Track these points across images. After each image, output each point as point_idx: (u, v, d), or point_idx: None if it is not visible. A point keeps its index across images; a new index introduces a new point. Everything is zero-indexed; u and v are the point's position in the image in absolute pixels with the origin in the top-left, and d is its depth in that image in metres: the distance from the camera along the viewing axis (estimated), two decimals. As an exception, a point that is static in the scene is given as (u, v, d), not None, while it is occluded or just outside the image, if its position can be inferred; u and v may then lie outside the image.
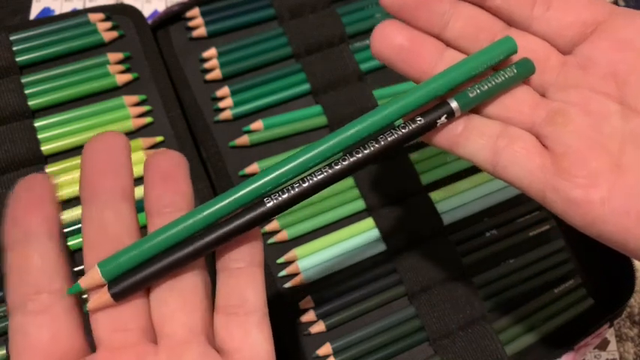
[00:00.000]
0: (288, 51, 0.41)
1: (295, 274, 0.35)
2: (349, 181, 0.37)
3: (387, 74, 0.41)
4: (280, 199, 0.21)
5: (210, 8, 0.41)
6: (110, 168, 0.22)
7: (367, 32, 0.42)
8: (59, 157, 0.36)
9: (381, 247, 0.36)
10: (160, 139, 0.37)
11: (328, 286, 0.35)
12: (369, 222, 0.37)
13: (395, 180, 0.37)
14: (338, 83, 0.40)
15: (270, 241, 0.36)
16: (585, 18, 0.24)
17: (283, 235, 0.36)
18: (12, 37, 0.38)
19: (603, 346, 0.43)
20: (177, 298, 0.21)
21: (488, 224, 0.38)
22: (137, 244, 0.21)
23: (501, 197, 0.39)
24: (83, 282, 0.20)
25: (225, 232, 0.21)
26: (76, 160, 0.36)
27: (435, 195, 0.38)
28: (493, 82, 0.23)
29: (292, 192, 0.21)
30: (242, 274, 0.22)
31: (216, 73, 0.40)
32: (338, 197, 0.37)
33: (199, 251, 0.21)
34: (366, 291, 0.35)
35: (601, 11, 0.24)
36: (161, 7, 0.50)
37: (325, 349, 0.34)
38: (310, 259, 0.35)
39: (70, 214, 0.34)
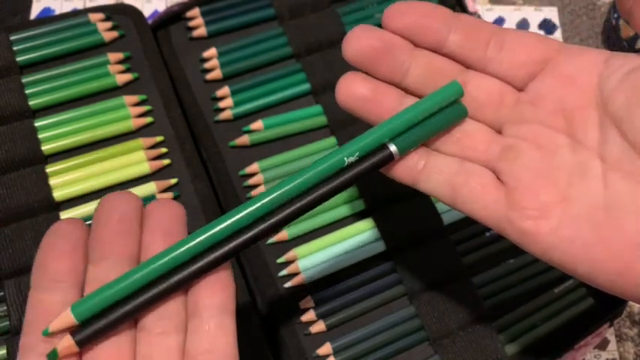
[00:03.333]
0: (289, 51, 0.41)
1: (295, 274, 0.35)
2: (349, 181, 0.37)
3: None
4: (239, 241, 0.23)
5: (210, 8, 0.41)
6: (122, 230, 0.22)
7: (367, 32, 0.42)
8: (60, 157, 0.36)
9: (381, 247, 0.36)
10: (160, 139, 0.37)
11: (328, 286, 0.35)
12: (369, 222, 0.37)
13: (395, 180, 0.37)
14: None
15: (270, 241, 0.36)
16: (535, 57, 0.25)
17: (283, 235, 0.36)
18: (12, 37, 0.38)
19: (603, 345, 0.43)
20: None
21: (488, 224, 0.38)
22: (110, 285, 0.21)
23: (501, 197, 0.39)
24: (53, 325, 0.21)
25: (190, 273, 0.22)
26: (76, 160, 0.36)
27: (435, 195, 0.38)
28: (429, 126, 0.25)
29: (246, 236, 0.23)
30: (213, 322, 0.22)
31: (217, 73, 0.40)
32: (338, 197, 0.37)
33: (167, 291, 0.22)
34: (365, 291, 0.35)
35: (550, 49, 0.25)
36: (161, 7, 0.50)
37: (325, 348, 0.34)
38: (310, 259, 0.35)
39: (69, 214, 0.34)
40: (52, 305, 0.21)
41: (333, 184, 0.24)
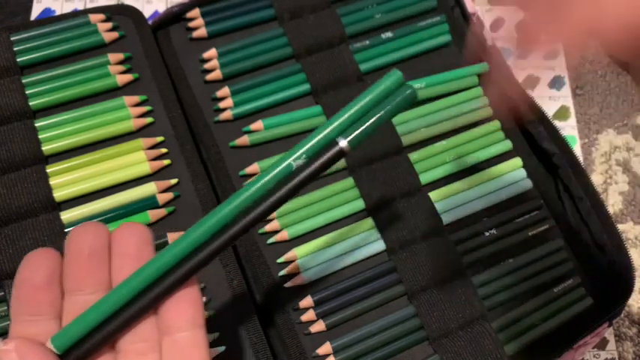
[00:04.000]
0: (289, 51, 0.41)
1: (295, 274, 0.35)
2: (349, 181, 0.38)
3: (387, 74, 0.42)
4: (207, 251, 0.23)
5: (210, 9, 0.41)
6: (92, 263, 0.23)
7: (367, 33, 0.42)
8: (60, 157, 0.36)
9: (381, 246, 0.36)
10: (160, 139, 0.37)
11: (328, 286, 0.35)
12: (369, 222, 0.37)
13: (394, 180, 0.38)
14: (338, 83, 0.40)
15: (270, 241, 0.36)
16: None
17: (283, 235, 0.36)
18: (13, 38, 0.38)
19: (602, 345, 0.43)
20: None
21: (488, 224, 0.38)
22: (85, 314, 0.22)
23: (501, 197, 0.39)
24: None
25: (159, 293, 0.23)
26: (77, 160, 0.36)
27: (434, 194, 0.38)
28: (376, 115, 0.24)
29: (212, 246, 0.23)
30: (185, 339, 0.23)
31: (217, 74, 0.40)
32: (338, 197, 0.37)
33: (139, 312, 0.23)
34: (365, 290, 0.35)
35: None
36: (161, 8, 0.50)
37: (325, 348, 0.34)
38: (310, 259, 0.35)
39: (70, 214, 0.34)
40: (35, 337, 0.22)
41: (282, 192, 0.23)
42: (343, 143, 0.23)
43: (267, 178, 0.23)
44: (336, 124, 0.24)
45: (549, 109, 0.50)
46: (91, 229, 0.23)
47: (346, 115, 0.24)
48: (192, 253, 0.23)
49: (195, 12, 0.41)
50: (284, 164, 0.23)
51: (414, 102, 0.24)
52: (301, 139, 0.38)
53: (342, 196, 0.37)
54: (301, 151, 0.24)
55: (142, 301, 0.22)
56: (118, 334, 0.23)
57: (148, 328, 0.23)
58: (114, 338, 0.23)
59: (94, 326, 0.22)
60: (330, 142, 0.23)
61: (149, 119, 0.38)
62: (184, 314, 0.23)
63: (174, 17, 0.41)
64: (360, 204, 0.37)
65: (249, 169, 0.38)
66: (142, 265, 0.23)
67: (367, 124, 0.23)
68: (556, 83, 0.51)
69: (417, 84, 0.41)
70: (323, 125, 0.24)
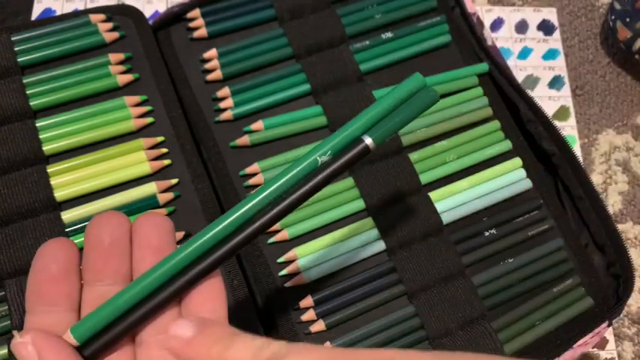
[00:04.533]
0: (289, 51, 0.41)
1: (295, 274, 0.35)
2: (349, 181, 0.38)
3: (387, 75, 0.42)
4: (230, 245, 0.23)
5: (210, 9, 0.41)
6: (113, 252, 0.22)
7: (367, 33, 0.42)
8: (61, 157, 0.36)
9: (381, 246, 0.36)
10: (160, 139, 0.37)
11: (328, 286, 0.35)
12: (369, 222, 0.37)
13: (394, 180, 0.38)
14: (338, 84, 0.40)
15: (271, 240, 0.36)
16: None
17: (283, 235, 0.36)
18: (14, 38, 0.38)
19: (602, 345, 0.43)
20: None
21: (488, 223, 0.38)
22: (106, 305, 0.22)
23: (500, 196, 0.39)
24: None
25: (181, 285, 0.22)
26: (77, 160, 0.36)
27: (434, 194, 0.38)
28: (400, 115, 0.24)
29: (238, 238, 0.23)
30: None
31: (217, 74, 0.40)
32: (338, 197, 0.37)
33: (160, 305, 0.22)
34: (365, 290, 0.35)
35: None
36: (162, 8, 0.50)
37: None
38: (310, 259, 0.35)
39: (70, 214, 0.34)
40: (52, 328, 0.21)
41: (308, 186, 0.23)
42: (368, 140, 0.24)
43: (293, 172, 0.23)
44: (360, 122, 0.24)
45: (549, 109, 0.50)
46: (112, 219, 0.23)
47: (371, 114, 0.24)
48: (217, 246, 0.23)
49: (196, 12, 0.41)
50: (310, 159, 0.24)
51: (435, 103, 0.25)
52: (301, 139, 0.39)
53: (342, 196, 0.37)
54: (327, 147, 0.24)
55: (165, 293, 0.22)
56: (140, 326, 0.22)
57: (170, 320, 0.22)
58: (135, 330, 0.22)
59: (115, 317, 0.22)
60: (356, 139, 0.24)
61: (149, 119, 0.38)
62: (207, 306, 0.22)
63: (175, 17, 0.41)
64: (360, 204, 0.37)
65: (249, 169, 0.38)
66: (164, 256, 0.22)
67: (392, 123, 0.24)
68: (556, 83, 0.51)
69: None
70: (347, 124, 0.24)
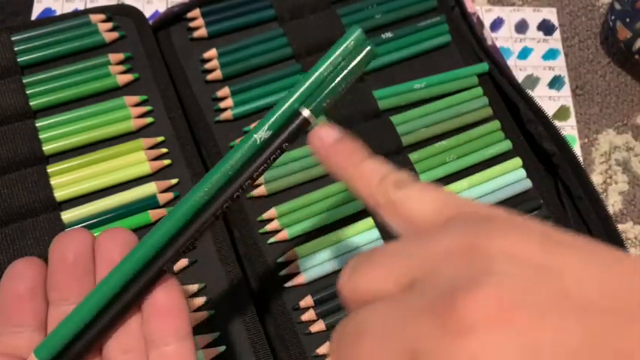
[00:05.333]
0: (289, 51, 0.41)
1: (295, 274, 0.35)
2: (349, 181, 0.38)
3: (387, 74, 0.42)
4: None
5: (210, 9, 0.41)
6: (77, 271, 0.22)
7: (367, 33, 0.42)
8: (61, 157, 0.36)
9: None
10: (160, 139, 0.37)
11: (328, 286, 0.35)
12: (369, 222, 0.37)
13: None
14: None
15: (271, 240, 0.36)
16: None
17: (283, 235, 0.36)
18: (14, 38, 0.38)
19: (602, 345, 0.43)
20: None
21: (488, 224, 0.38)
22: (65, 322, 0.22)
23: (500, 196, 0.39)
24: None
25: (137, 291, 0.22)
26: (77, 160, 0.36)
27: (434, 195, 0.38)
28: (336, 77, 0.23)
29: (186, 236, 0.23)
30: (172, 352, 0.22)
31: (217, 74, 0.40)
32: (338, 197, 0.37)
33: (119, 313, 0.22)
34: (365, 290, 0.35)
35: None
36: (162, 8, 0.50)
37: (325, 348, 0.34)
38: (310, 259, 0.35)
39: (70, 214, 0.34)
40: (17, 350, 0.22)
41: (249, 170, 0.23)
42: (306, 113, 0.23)
43: (235, 158, 0.23)
44: (297, 94, 0.23)
45: (549, 109, 0.50)
46: (74, 236, 0.23)
47: (307, 84, 0.23)
48: (166, 245, 0.22)
49: (196, 12, 0.41)
50: (249, 141, 0.23)
51: (373, 59, 0.23)
52: (301, 139, 0.39)
53: (342, 196, 0.37)
54: (265, 125, 0.23)
55: (120, 302, 0.22)
56: (103, 340, 0.22)
57: (135, 340, 0.22)
58: (98, 344, 0.22)
59: (75, 333, 0.22)
60: (294, 112, 0.23)
61: (149, 119, 0.38)
62: (169, 327, 0.22)
63: (175, 17, 0.41)
64: (360, 204, 0.37)
65: (249, 169, 0.38)
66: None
67: (327, 90, 0.23)
68: (556, 83, 0.51)
69: (417, 84, 0.41)
70: (284, 97, 0.23)
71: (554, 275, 0.15)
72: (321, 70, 0.23)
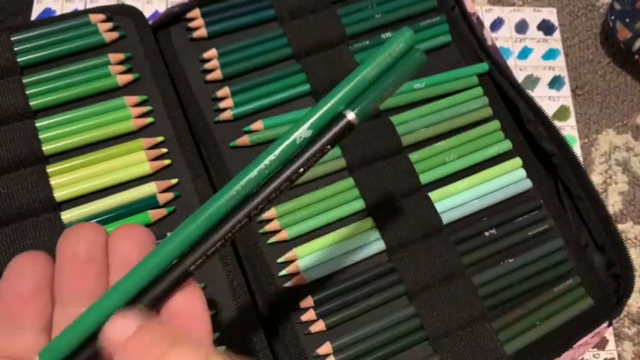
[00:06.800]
0: (289, 52, 0.41)
1: (295, 274, 0.35)
2: (349, 181, 0.38)
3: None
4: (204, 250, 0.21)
5: (210, 9, 0.41)
6: (89, 269, 0.20)
7: (367, 33, 0.42)
8: (60, 157, 0.36)
9: (381, 246, 0.36)
10: (160, 139, 0.37)
11: (328, 286, 0.35)
12: (369, 222, 0.37)
13: (394, 180, 0.38)
14: (338, 84, 0.40)
15: (271, 240, 0.36)
16: None
17: (283, 235, 0.36)
18: (13, 38, 0.38)
19: (602, 345, 0.43)
20: None
21: (488, 223, 0.38)
22: (73, 326, 0.20)
23: (500, 196, 0.39)
24: None
25: (154, 298, 0.20)
26: (77, 160, 0.36)
27: (434, 194, 0.38)
28: (385, 81, 0.22)
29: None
30: None
31: (217, 74, 0.40)
32: (338, 197, 0.37)
33: None
34: (365, 290, 0.35)
35: None
36: (162, 8, 0.50)
37: (325, 348, 0.34)
38: (310, 259, 0.35)
39: (70, 214, 0.34)
40: (20, 353, 0.20)
41: (286, 174, 0.21)
42: (351, 115, 0.21)
43: (271, 156, 0.21)
44: (340, 94, 0.21)
45: (549, 109, 0.50)
46: (87, 231, 0.21)
47: (352, 85, 0.22)
48: (194, 245, 0.21)
49: (196, 12, 0.41)
50: (288, 140, 0.21)
51: (422, 65, 0.22)
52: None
53: (342, 196, 0.37)
54: (305, 126, 0.21)
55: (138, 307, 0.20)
56: None
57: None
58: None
59: (86, 338, 0.20)
60: (338, 115, 0.21)
61: (149, 119, 0.38)
62: (186, 316, 0.20)
63: (175, 17, 0.41)
64: (360, 204, 0.37)
65: (249, 169, 0.38)
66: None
67: (374, 94, 0.21)
68: (556, 83, 0.51)
69: (417, 84, 0.41)
70: (326, 97, 0.21)
71: None
72: (367, 70, 0.22)
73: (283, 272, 0.35)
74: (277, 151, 0.21)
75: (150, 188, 0.36)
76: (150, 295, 0.20)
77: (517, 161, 0.40)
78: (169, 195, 0.36)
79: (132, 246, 0.21)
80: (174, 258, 0.21)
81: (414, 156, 0.39)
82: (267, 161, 0.21)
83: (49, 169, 0.35)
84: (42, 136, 0.36)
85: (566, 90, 0.51)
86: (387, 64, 0.22)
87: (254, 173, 0.21)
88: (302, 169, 0.21)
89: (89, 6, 0.50)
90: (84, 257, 0.20)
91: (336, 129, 0.21)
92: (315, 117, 0.21)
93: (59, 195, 0.35)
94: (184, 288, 0.21)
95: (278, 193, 0.21)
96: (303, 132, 0.21)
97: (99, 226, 0.21)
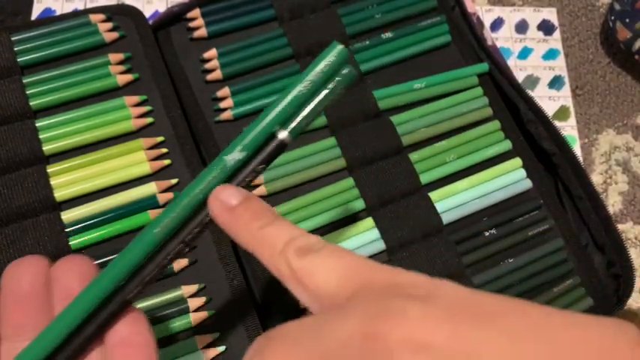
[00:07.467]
0: (289, 51, 0.41)
1: (295, 274, 0.35)
2: (349, 181, 0.38)
3: (387, 75, 0.42)
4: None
5: (210, 9, 0.41)
6: (32, 304, 0.20)
7: (367, 33, 0.42)
8: (61, 157, 0.36)
9: (381, 246, 0.36)
10: (160, 139, 0.37)
11: (328, 286, 0.35)
12: (369, 222, 0.37)
13: (394, 180, 0.38)
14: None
15: (271, 240, 0.36)
16: None
17: (283, 235, 0.36)
18: (13, 38, 0.38)
19: (602, 345, 0.43)
20: None
21: (488, 224, 0.38)
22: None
23: (500, 196, 0.39)
24: None
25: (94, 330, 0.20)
26: (77, 160, 0.36)
27: (434, 194, 0.38)
28: (316, 98, 0.22)
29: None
30: None
31: (217, 74, 0.40)
32: (338, 197, 0.37)
33: (73, 357, 0.20)
34: (365, 290, 0.35)
35: None
36: (162, 8, 0.50)
37: (325, 348, 0.34)
38: (310, 259, 0.35)
39: (70, 214, 0.34)
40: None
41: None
42: (283, 135, 0.21)
43: (205, 181, 0.21)
44: (273, 114, 0.21)
45: (549, 109, 0.50)
46: (29, 265, 0.21)
47: (283, 104, 0.21)
48: (131, 275, 0.21)
49: (196, 12, 0.41)
50: (220, 164, 0.21)
51: (354, 81, 0.22)
52: (301, 140, 0.39)
53: (342, 196, 0.37)
54: (237, 148, 0.21)
55: (81, 337, 0.20)
56: None
57: None
58: None
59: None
60: (271, 135, 0.21)
61: (149, 119, 0.38)
62: (130, 345, 0.20)
63: (175, 17, 0.41)
64: (360, 204, 0.37)
65: (249, 169, 0.38)
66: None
67: (307, 111, 0.21)
68: (556, 83, 0.51)
69: (417, 84, 0.41)
70: (259, 117, 0.22)
71: None
72: (298, 88, 0.21)
73: (283, 272, 0.35)
74: (209, 177, 0.21)
75: (150, 188, 0.36)
76: (92, 325, 0.20)
77: (517, 161, 0.40)
78: (169, 195, 0.36)
79: (73, 277, 0.21)
80: (113, 287, 0.21)
81: (414, 156, 0.39)
82: (201, 186, 0.21)
83: (49, 169, 0.35)
84: (42, 136, 0.36)
85: (566, 90, 0.51)
86: (319, 80, 0.21)
87: (188, 199, 0.21)
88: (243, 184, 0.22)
89: (89, 6, 0.50)
90: (26, 291, 0.20)
91: (269, 149, 0.22)
92: (248, 139, 0.21)
93: (59, 195, 0.35)
94: (127, 316, 0.21)
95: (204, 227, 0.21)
96: (236, 154, 0.21)
97: (40, 258, 0.21)
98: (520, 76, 0.51)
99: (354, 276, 0.17)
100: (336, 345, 0.15)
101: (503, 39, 0.52)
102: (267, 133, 0.22)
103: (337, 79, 0.22)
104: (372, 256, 0.36)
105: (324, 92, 0.22)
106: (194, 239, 0.22)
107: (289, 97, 0.21)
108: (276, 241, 0.19)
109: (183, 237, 0.21)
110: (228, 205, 0.20)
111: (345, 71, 0.22)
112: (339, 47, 0.21)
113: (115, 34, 0.39)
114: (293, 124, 0.21)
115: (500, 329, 0.14)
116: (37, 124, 0.36)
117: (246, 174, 0.22)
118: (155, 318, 0.33)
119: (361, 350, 0.14)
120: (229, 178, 0.22)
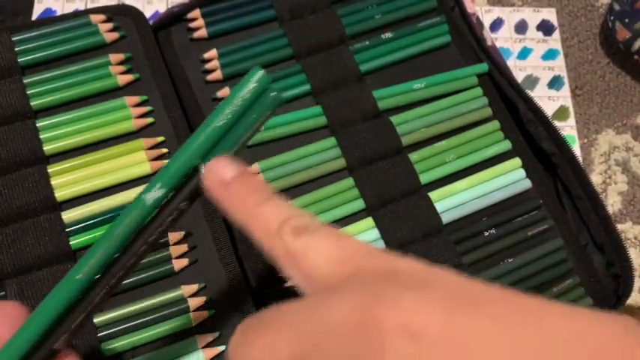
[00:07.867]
0: (289, 52, 0.41)
1: (295, 274, 0.35)
2: (349, 181, 0.38)
3: (387, 75, 0.42)
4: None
5: (211, 9, 0.41)
6: None
7: (367, 33, 0.42)
8: (61, 157, 0.36)
9: (381, 246, 0.36)
10: (161, 139, 0.37)
11: (328, 286, 0.35)
12: (369, 222, 0.37)
13: (394, 180, 0.38)
14: (338, 84, 0.40)
15: (271, 240, 0.36)
16: None
17: (283, 235, 0.36)
18: (14, 38, 0.38)
19: (602, 345, 0.43)
20: None
21: (487, 223, 0.38)
22: None
23: (500, 196, 0.39)
24: None
25: None
26: (78, 160, 0.36)
27: (433, 194, 0.38)
28: (240, 127, 0.21)
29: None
30: None
31: (217, 74, 0.40)
32: (338, 197, 0.37)
33: None
34: (365, 290, 0.35)
35: None
36: (162, 8, 0.50)
37: (325, 347, 0.34)
38: (310, 259, 0.35)
39: (71, 214, 0.34)
40: None
41: (144, 234, 0.20)
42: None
43: (121, 226, 0.20)
44: (193, 148, 0.20)
45: (549, 109, 0.50)
46: None
47: (203, 138, 0.20)
48: (58, 322, 0.20)
49: (196, 12, 0.41)
50: (138, 204, 0.20)
51: (279, 104, 0.21)
52: (301, 139, 0.39)
53: (342, 196, 0.37)
54: (157, 184, 0.20)
55: None
56: None
57: None
58: None
59: None
60: (193, 169, 0.20)
61: (150, 119, 0.38)
62: None
63: (175, 18, 0.41)
64: (360, 204, 0.37)
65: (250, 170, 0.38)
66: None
67: (231, 141, 0.20)
68: (555, 83, 0.51)
69: (417, 84, 0.41)
70: (178, 152, 0.20)
71: (458, 351, 0.13)
72: (218, 119, 0.20)
73: (283, 272, 0.35)
74: (128, 218, 0.20)
75: (150, 188, 0.36)
76: None
77: (517, 161, 0.40)
78: (170, 195, 0.36)
79: (2, 322, 0.21)
80: (41, 335, 0.20)
81: (413, 156, 0.39)
82: (117, 230, 0.20)
83: (50, 169, 0.35)
84: (43, 136, 0.36)
85: (565, 90, 0.51)
86: (239, 109, 0.20)
87: (106, 245, 0.20)
88: (159, 230, 0.20)
89: (90, 6, 0.50)
90: None
91: (191, 185, 0.20)
92: (167, 175, 0.20)
93: (60, 195, 0.35)
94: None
95: (137, 259, 0.20)
96: (155, 192, 0.20)
97: None
98: (520, 77, 0.51)
99: (350, 259, 0.17)
100: (327, 328, 0.15)
101: (502, 39, 0.52)
102: (188, 168, 0.20)
103: (262, 104, 0.21)
104: (372, 256, 0.36)
105: (249, 120, 0.21)
106: (119, 282, 0.21)
107: (209, 130, 0.20)
108: (272, 219, 0.18)
109: (108, 280, 0.20)
110: (223, 179, 0.19)
111: (270, 95, 0.21)
112: (260, 73, 0.20)
113: (115, 35, 0.39)
114: (217, 157, 0.20)
115: (492, 318, 0.14)
116: (38, 124, 0.36)
117: (168, 212, 0.20)
118: (155, 318, 0.33)
119: (353, 334, 0.14)
120: (150, 218, 0.20)
